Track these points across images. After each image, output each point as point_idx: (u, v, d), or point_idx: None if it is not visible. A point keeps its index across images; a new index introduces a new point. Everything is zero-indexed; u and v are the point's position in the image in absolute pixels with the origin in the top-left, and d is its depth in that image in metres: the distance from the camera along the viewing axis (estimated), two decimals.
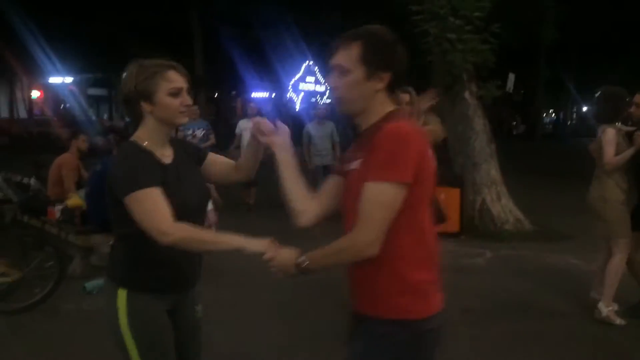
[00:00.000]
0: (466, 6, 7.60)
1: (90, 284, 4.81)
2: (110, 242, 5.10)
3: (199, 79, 16.28)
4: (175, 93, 1.98)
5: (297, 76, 22.67)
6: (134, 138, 2.04)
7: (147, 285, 2.04)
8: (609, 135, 4.21)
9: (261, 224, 8.02)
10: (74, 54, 18.84)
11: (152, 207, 1.89)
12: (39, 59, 18.30)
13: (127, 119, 17.00)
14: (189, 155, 2.18)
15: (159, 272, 2.02)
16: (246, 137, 8.88)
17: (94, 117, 21.88)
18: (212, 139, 8.65)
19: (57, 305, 4.43)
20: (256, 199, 9.22)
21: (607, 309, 4.30)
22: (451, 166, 8.32)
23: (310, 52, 21.76)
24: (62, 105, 23.90)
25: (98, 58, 19.12)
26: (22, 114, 23.64)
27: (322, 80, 24.76)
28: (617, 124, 4.35)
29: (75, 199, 5.41)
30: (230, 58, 17.07)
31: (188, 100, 2.03)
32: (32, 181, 6.25)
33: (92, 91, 24.90)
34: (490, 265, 6.23)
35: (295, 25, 17.75)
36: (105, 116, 23.28)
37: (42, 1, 16.51)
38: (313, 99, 24.20)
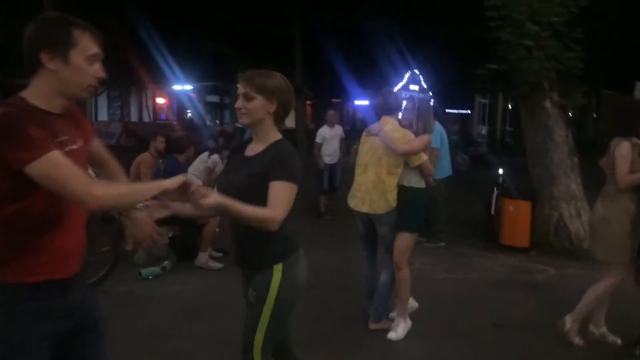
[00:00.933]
0: (545, 11, 7.28)
1: (146, 271, 5.33)
2: (170, 234, 5.62)
3: (298, 88, 16.98)
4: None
5: (401, 84, 22.59)
6: None
7: None
8: (624, 150, 3.85)
9: (329, 230, 8.29)
10: (194, 65, 20.53)
11: None
12: (165, 70, 20.16)
13: (237, 124, 17.95)
14: (269, 163, 2.32)
15: None
16: (329, 146, 9.01)
17: (209, 122, 23.44)
18: None
19: (113, 287, 4.98)
20: (332, 208, 9.28)
21: (572, 324, 4.07)
22: (529, 178, 7.99)
23: (414, 60, 21.56)
24: (185, 111, 25.91)
25: (214, 68, 20.64)
26: (149, 118, 26.05)
27: (425, 87, 24.38)
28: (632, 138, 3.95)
29: None
30: (331, 65, 17.50)
31: None
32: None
33: (210, 98, 26.74)
34: (548, 283, 5.93)
35: (398, 34, 17.78)
36: (218, 121, 24.83)
37: (168, 20, 18.18)
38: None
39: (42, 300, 1.79)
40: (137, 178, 6.64)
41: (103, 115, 25.73)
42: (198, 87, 24.23)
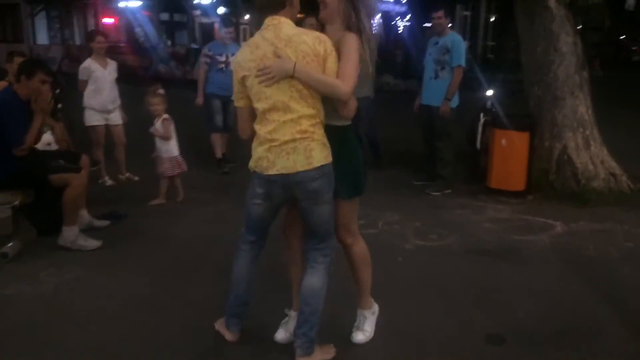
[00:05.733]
0: None
1: None
2: (16, 202, 3.86)
3: None
4: None
5: None
6: None
7: None
8: None
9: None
10: None
11: None
12: None
13: (192, 45, 15.74)
14: None
15: None
16: None
17: (161, 44, 20.96)
18: None
19: None
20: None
21: None
22: (522, 101, 6.26)
23: None
24: (135, 31, 23.23)
25: None
26: None
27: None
28: None
29: None
30: None
31: None
32: None
33: (163, 16, 24.05)
34: (557, 248, 4.30)
35: None
36: (169, 43, 22.36)
37: None
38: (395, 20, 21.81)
39: None
40: None
41: (43, 39, 22.94)
42: (149, 3, 21.50)
